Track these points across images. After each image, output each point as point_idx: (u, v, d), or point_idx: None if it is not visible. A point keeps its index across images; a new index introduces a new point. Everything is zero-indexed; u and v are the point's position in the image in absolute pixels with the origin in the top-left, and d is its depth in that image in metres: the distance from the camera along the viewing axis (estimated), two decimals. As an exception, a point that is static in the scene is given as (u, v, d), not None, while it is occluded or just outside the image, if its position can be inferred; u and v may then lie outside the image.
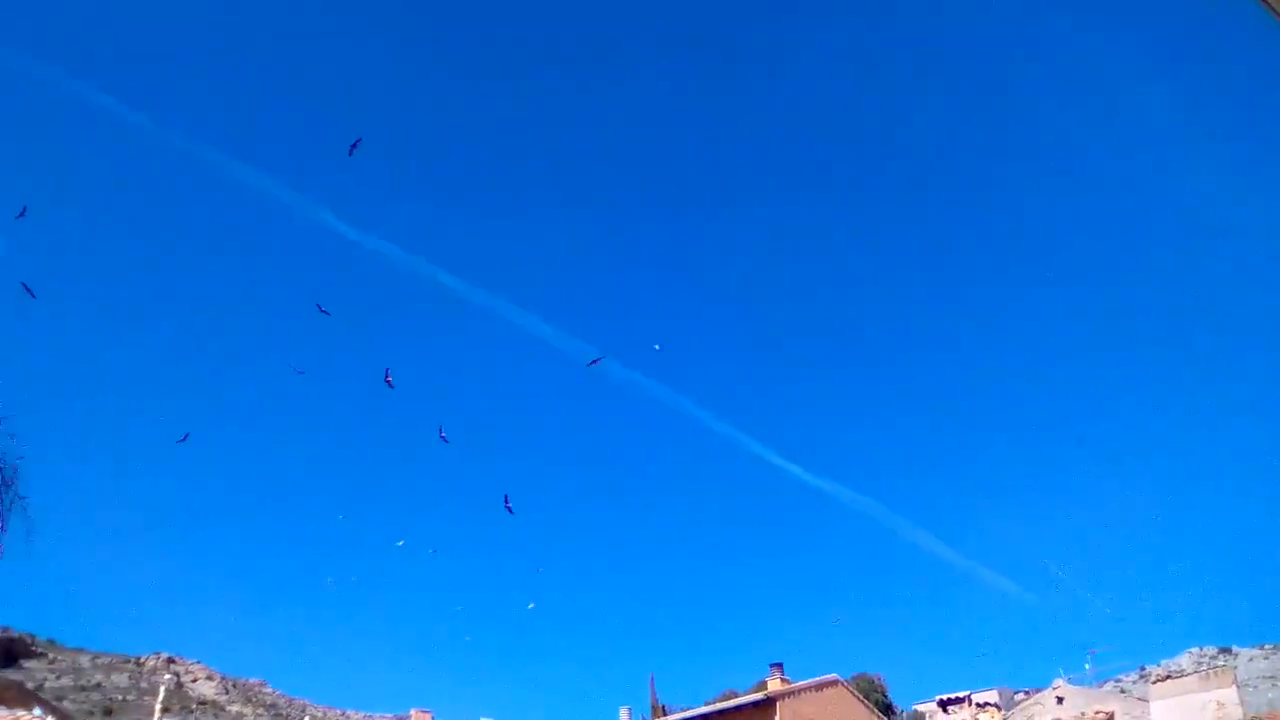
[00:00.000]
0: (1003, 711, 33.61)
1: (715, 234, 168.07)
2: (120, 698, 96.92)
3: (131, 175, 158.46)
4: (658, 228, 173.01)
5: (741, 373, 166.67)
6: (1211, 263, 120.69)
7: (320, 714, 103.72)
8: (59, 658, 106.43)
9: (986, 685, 40.52)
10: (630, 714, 38.15)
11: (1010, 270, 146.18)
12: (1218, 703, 22.39)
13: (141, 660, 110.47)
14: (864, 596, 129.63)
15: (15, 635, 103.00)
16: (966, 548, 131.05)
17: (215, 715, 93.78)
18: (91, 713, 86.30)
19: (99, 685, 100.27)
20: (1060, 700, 30.99)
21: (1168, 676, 34.70)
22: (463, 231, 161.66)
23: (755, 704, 31.54)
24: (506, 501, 38.18)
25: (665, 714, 41.51)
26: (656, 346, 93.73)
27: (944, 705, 38.16)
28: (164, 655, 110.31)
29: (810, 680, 33.87)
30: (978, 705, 35.44)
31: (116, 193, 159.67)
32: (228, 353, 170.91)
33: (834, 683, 34.89)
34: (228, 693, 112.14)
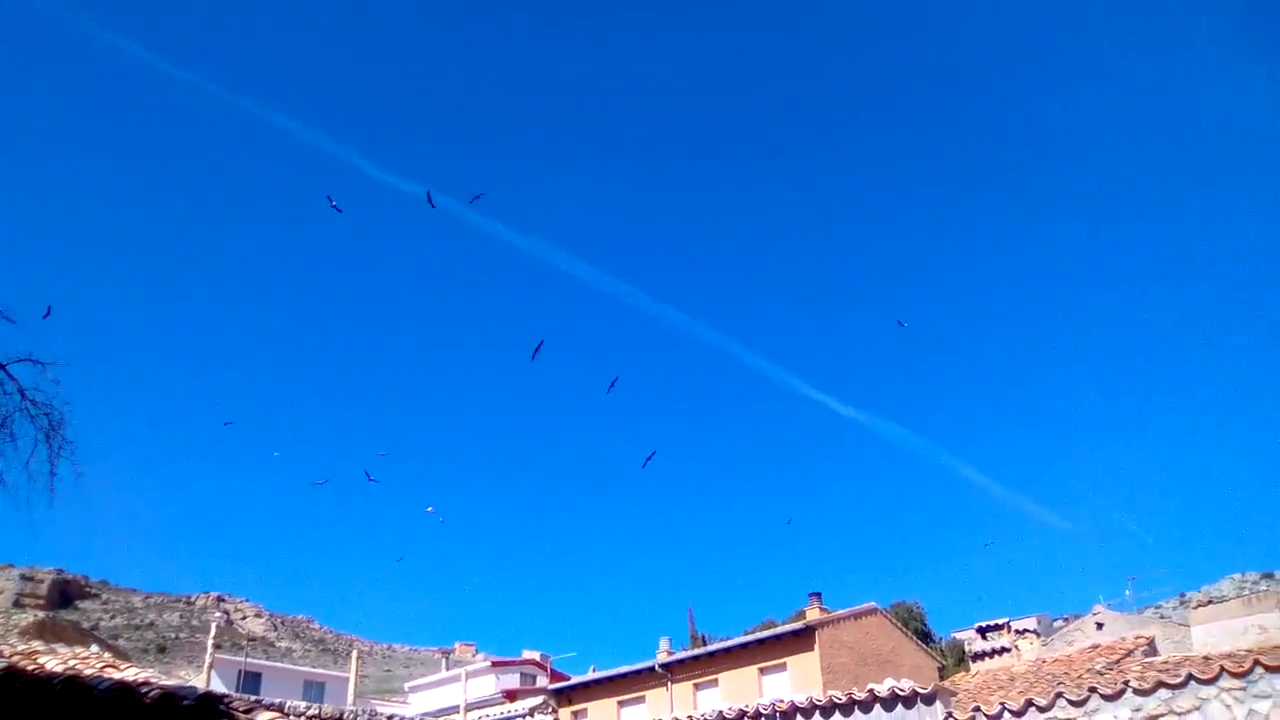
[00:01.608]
0: (1042, 638, 33.64)
1: (745, 186, 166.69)
2: (173, 636, 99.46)
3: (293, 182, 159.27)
4: (692, 180, 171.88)
5: (774, 303, 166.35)
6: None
7: (367, 648, 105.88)
8: (112, 598, 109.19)
9: (1025, 613, 40.58)
10: (670, 644, 38.55)
11: (1053, 199, 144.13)
12: (1260, 627, 22.24)
13: (192, 599, 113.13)
14: (902, 526, 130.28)
15: (70, 577, 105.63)
16: (1005, 477, 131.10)
17: (265, 651, 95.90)
18: (146, 650, 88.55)
19: (152, 624, 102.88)
20: (1100, 626, 30.95)
21: (1209, 602, 34.60)
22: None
23: (794, 633, 31.74)
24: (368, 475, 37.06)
25: (704, 644, 41.99)
26: (901, 323, 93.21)
27: (983, 632, 38.24)
28: (214, 594, 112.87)
29: (849, 609, 34.01)
30: (1016, 632, 35.47)
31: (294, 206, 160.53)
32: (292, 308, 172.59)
33: (873, 611, 35.04)
34: (276, 629, 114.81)
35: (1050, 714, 13.94)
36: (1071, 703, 13.64)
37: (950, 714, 14.79)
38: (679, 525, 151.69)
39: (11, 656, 9.92)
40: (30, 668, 9.23)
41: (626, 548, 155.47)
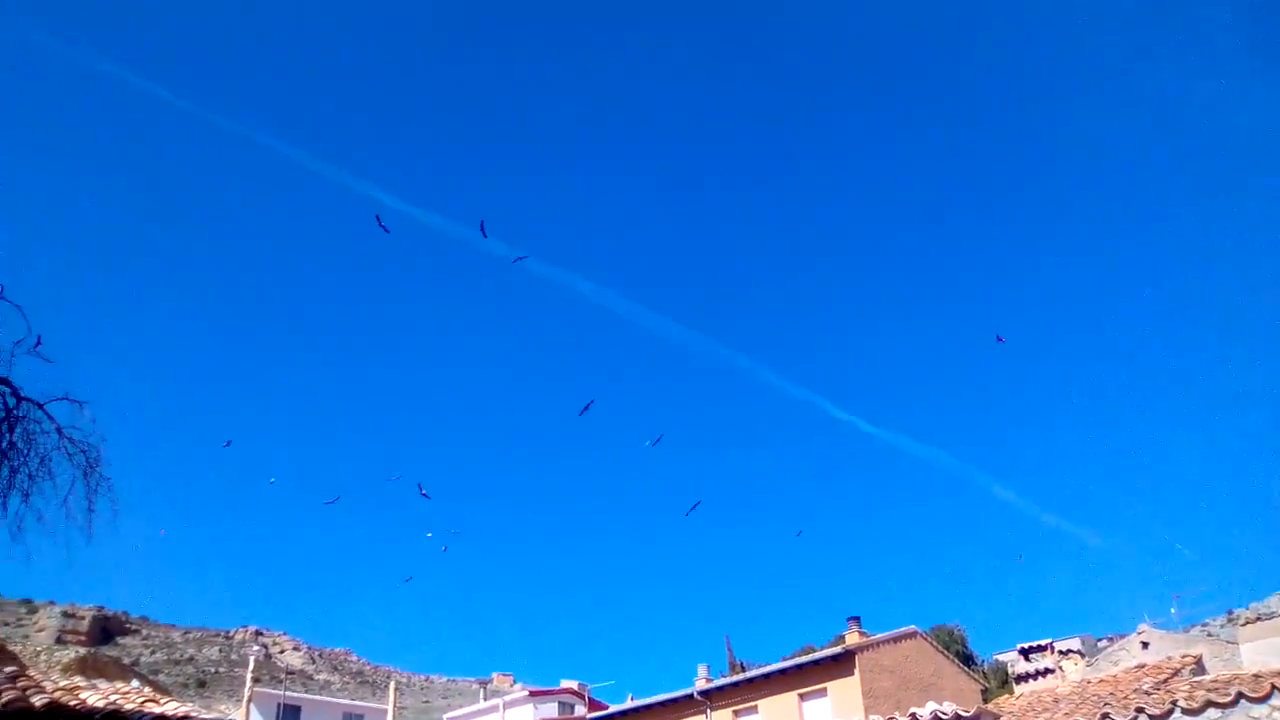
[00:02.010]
0: (1086, 658, 33.10)
1: (778, 188, 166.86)
2: (212, 670, 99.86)
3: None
4: (712, 194, 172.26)
5: (800, 324, 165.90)
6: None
7: (405, 679, 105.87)
8: (152, 634, 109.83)
9: (1069, 633, 39.95)
10: (708, 672, 38.29)
11: (1071, 205, 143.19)
12: (1311, 643, 21.80)
13: (230, 633, 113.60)
14: (940, 548, 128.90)
15: (110, 613, 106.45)
16: (1043, 497, 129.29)
17: (304, 684, 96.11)
18: (186, 685, 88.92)
19: (191, 659, 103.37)
20: (1145, 645, 30.39)
21: (1257, 618, 33.97)
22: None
23: (834, 658, 31.44)
24: (420, 488, 34.73)
25: (743, 670, 41.67)
26: (1000, 338, 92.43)
27: (1025, 654, 37.64)
28: (251, 628, 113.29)
29: (889, 633, 33.65)
30: (1060, 653, 34.88)
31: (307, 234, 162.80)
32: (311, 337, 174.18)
33: (913, 634, 34.65)
34: (314, 662, 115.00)
35: (1097, 735, 13.73)
36: (1119, 724, 13.43)
37: (994, 737, 14.59)
38: (715, 552, 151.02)
39: (54, 692, 9.98)
40: (73, 703, 9.29)
41: (663, 575, 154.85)
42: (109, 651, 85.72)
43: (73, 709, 8.72)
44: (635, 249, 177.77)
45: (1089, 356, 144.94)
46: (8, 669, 12.25)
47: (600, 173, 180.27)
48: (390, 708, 43.82)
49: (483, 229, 40.90)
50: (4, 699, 8.75)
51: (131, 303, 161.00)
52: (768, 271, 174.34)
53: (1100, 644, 39.38)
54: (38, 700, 8.88)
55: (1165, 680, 21.63)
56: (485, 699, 58.66)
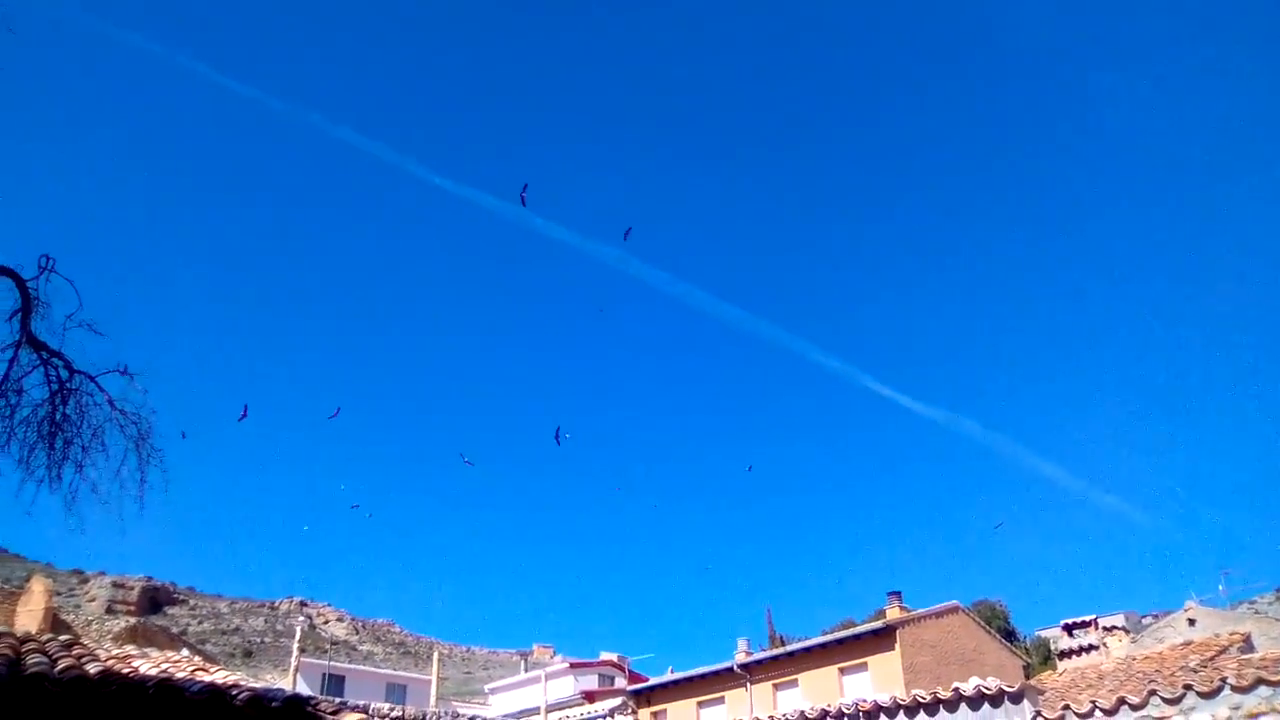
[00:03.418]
0: (1131, 634, 32.82)
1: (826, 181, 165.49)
2: (258, 640, 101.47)
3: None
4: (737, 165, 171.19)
5: (842, 300, 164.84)
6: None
7: (447, 650, 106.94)
8: (199, 604, 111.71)
9: (1112, 609, 39.67)
10: (748, 645, 38.35)
11: (1126, 173, 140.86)
12: (1361, 621, 21.48)
13: (275, 604, 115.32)
14: (982, 524, 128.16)
15: (159, 584, 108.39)
16: (1087, 473, 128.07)
17: (348, 654, 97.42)
18: (232, 655, 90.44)
19: (237, 629, 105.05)
20: (1192, 622, 30.09)
21: (1306, 595, 33.45)
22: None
23: (874, 632, 31.34)
24: (557, 435, 38.29)
25: (783, 644, 41.70)
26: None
27: (1069, 630, 37.39)
28: (296, 599, 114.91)
29: (930, 608, 33.50)
30: (1104, 629, 34.62)
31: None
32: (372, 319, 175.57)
33: (954, 610, 34.47)
34: (358, 633, 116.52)
35: (1144, 712, 13.55)
36: (1166, 700, 13.25)
37: (1039, 713, 14.44)
38: (756, 526, 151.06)
39: (107, 660, 10.18)
40: (126, 671, 9.46)
41: (703, 548, 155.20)
42: (157, 621, 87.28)
43: (126, 677, 8.87)
44: (684, 230, 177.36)
45: (1138, 331, 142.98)
46: (63, 638, 12.51)
47: (639, 147, 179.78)
48: (434, 678, 44.31)
49: (523, 199, 40.14)
50: (60, 666, 8.92)
51: (186, 277, 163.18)
52: (811, 249, 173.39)
53: (1145, 621, 39.07)
54: (92, 668, 9.04)
55: (1212, 657, 21.39)
56: (526, 670, 59.15)
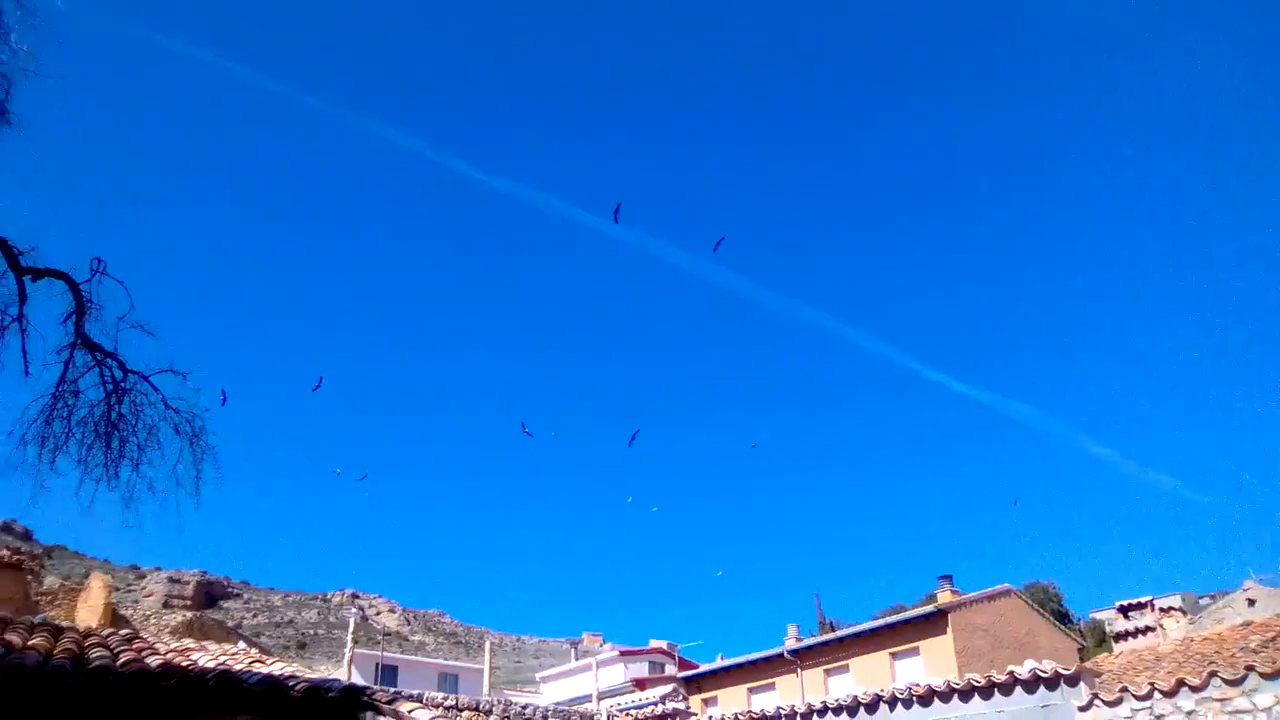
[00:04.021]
0: (1188, 615, 32.30)
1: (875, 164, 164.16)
2: (312, 632, 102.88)
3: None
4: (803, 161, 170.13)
5: (897, 288, 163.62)
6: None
7: (497, 640, 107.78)
8: (253, 598, 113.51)
9: (1169, 590, 39.08)
10: (798, 631, 38.27)
11: (1172, 152, 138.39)
12: None
13: (328, 597, 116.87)
14: (1034, 506, 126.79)
15: (214, 578, 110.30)
16: (1142, 454, 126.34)
17: (400, 645, 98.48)
18: (287, 647, 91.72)
19: (291, 621, 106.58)
20: (1252, 603, 29.53)
21: (1369, 574, 32.69)
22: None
23: (926, 616, 31.16)
24: (524, 427, 39.55)
25: (833, 629, 41.57)
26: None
27: (1124, 611, 36.87)
28: (348, 591, 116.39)
29: (982, 591, 33.24)
30: (1161, 610, 34.09)
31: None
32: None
33: (1007, 593, 34.18)
34: (409, 624, 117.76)
35: (1204, 694, 13.30)
36: (1227, 682, 13.00)
37: (1095, 695, 14.25)
38: (806, 511, 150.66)
39: (167, 654, 10.35)
40: (185, 664, 9.61)
41: (752, 535, 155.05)
42: (213, 615, 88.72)
43: (185, 670, 9.02)
44: (726, 213, 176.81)
45: (1191, 311, 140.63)
46: (123, 631, 12.75)
47: (678, 130, 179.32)
48: (486, 667, 44.62)
49: (616, 215, 41.52)
50: (122, 660, 9.09)
51: (242, 281, 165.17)
52: (854, 232, 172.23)
53: (1202, 601, 38.41)
54: (153, 661, 9.20)
55: (1274, 638, 20.98)
56: (576, 659, 59.49)
